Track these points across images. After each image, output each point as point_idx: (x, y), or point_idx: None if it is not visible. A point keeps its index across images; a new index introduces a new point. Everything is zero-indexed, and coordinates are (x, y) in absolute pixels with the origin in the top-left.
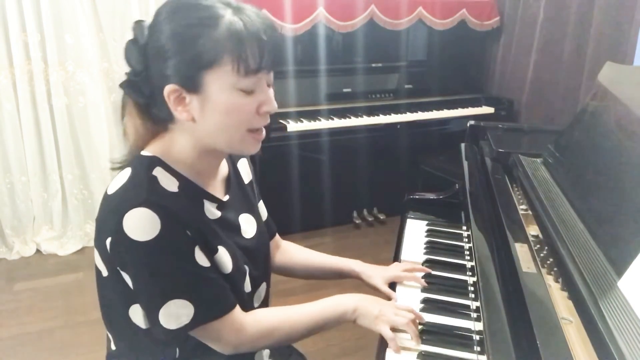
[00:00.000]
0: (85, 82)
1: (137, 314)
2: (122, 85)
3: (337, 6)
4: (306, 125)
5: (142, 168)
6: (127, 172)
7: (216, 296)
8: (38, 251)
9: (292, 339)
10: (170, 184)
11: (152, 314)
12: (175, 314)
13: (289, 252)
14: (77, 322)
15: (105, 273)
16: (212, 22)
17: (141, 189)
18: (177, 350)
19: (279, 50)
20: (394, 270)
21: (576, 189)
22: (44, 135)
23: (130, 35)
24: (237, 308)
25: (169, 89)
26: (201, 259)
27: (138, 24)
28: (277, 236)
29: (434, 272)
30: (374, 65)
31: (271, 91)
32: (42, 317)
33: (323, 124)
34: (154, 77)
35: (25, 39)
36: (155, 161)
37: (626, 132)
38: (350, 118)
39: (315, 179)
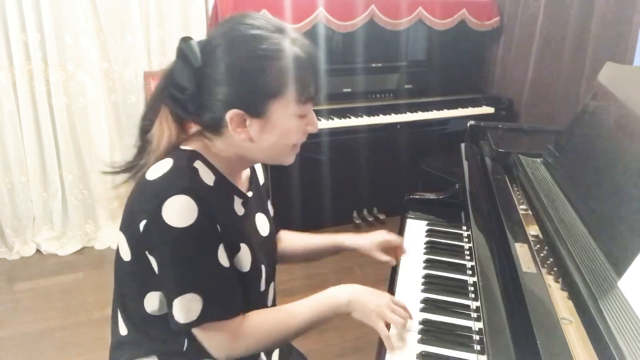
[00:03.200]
0: (85, 82)
1: (150, 303)
2: (165, 99)
3: (337, 6)
4: None
5: (184, 159)
6: (169, 162)
7: (226, 298)
8: (38, 251)
9: (289, 339)
10: (208, 177)
11: (169, 301)
12: (187, 307)
13: (285, 240)
14: (77, 322)
15: (127, 258)
16: (275, 54)
17: (185, 177)
18: (186, 341)
19: None
20: (380, 235)
21: (576, 189)
22: (44, 135)
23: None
24: (241, 314)
25: (232, 113)
26: (223, 257)
27: (187, 42)
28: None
29: (434, 272)
30: (374, 65)
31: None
32: (42, 317)
33: (323, 124)
34: (207, 99)
35: (25, 39)
36: (195, 155)
37: (626, 132)
38: (350, 118)
39: (315, 178)
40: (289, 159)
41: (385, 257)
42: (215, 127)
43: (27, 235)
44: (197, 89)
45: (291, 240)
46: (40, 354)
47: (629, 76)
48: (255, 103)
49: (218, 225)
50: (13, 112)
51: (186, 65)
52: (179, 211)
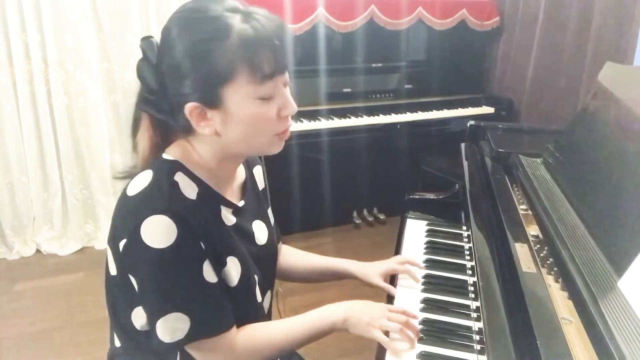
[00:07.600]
0: (85, 82)
1: (138, 318)
2: (138, 104)
3: (337, 6)
4: (306, 125)
5: (164, 172)
6: (148, 175)
7: (215, 315)
8: (38, 251)
9: (282, 354)
10: (190, 190)
11: (151, 322)
12: (172, 327)
13: (288, 255)
14: (77, 322)
15: (114, 272)
16: (222, 34)
17: (163, 195)
18: (178, 355)
19: (288, 48)
20: (389, 263)
21: (576, 189)
22: (44, 135)
23: (133, 47)
24: (233, 328)
25: (189, 107)
26: (209, 274)
27: (146, 40)
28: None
29: (434, 272)
30: (374, 65)
31: (288, 91)
32: (42, 317)
33: (323, 124)
34: (171, 95)
35: (25, 39)
36: (176, 166)
37: (626, 132)
38: (350, 118)
39: (315, 179)
40: (273, 148)
41: (383, 284)
42: (187, 126)
43: (27, 235)
44: (161, 87)
45: (295, 258)
46: (40, 354)
47: (629, 76)
48: (207, 92)
49: (202, 242)
50: (13, 112)
51: (147, 63)
52: (158, 232)
